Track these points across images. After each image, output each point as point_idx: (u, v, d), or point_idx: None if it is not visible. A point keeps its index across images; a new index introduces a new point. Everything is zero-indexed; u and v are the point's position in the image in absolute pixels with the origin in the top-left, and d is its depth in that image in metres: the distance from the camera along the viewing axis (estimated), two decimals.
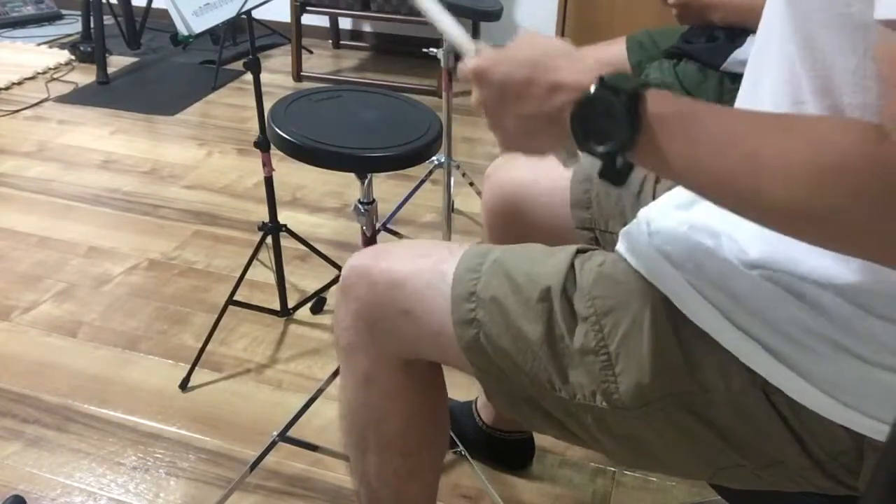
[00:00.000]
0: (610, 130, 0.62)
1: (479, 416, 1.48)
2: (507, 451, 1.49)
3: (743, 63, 1.42)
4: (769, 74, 0.71)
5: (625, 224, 0.87)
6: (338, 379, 1.03)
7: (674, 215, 0.84)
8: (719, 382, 0.73)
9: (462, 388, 1.35)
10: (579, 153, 0.71)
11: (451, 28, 0.83)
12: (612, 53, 1.67)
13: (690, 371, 0.74)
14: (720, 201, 0.62)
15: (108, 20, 3.53)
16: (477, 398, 1.51)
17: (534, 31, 0.74)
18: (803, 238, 0.60)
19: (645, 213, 0.87)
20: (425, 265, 0.87)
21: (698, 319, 0.73)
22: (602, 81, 0.63)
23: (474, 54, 0.75)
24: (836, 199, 0.54)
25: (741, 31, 1.43)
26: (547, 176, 1.13)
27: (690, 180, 0.63)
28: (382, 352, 0.93)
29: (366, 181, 1.24)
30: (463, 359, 0.85)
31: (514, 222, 1.17)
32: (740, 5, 1.38)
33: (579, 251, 0.84)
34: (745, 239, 0.74)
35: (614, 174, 0.65)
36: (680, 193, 0.88)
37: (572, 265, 0.82)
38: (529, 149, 0.72)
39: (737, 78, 1.43)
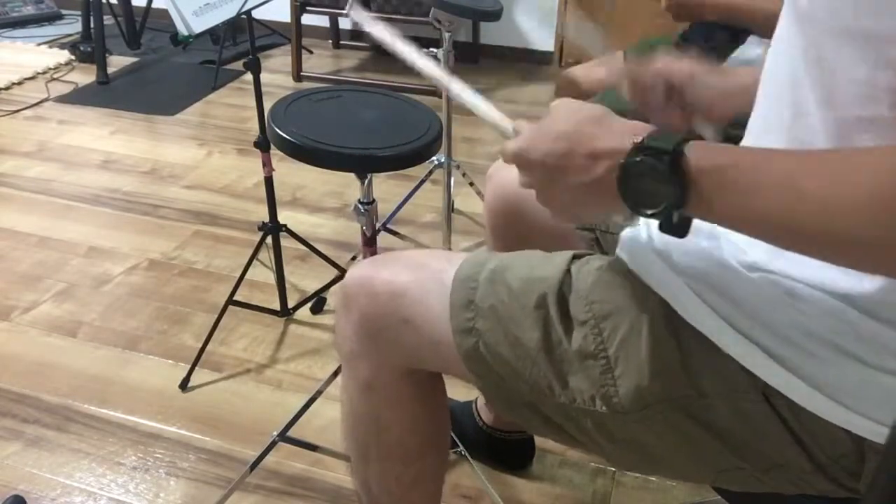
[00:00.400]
0: (657, 192, 0.63)
1: (479, 416, 1.48)
2: (508, 451, 1.49)
3: (744, 63, 1.42)
4: (774, 86, 0.72)
5: (625, 226, 0.87)
6: (338, 379, 1.03)
7: None
8: (719, 386, 0.73)
9: (462, 388, 1.35)
10: (630, 221, 0.72)
11: (488, 112, 0.84)
12: (611, 70, 1.67)
13: (690, 375, 0.74)
14: (794, 247, 0.61)
15: (108, 20, 3.53)
16: (477, 398, 1.51)
17: (567, 100, 0.75)
18: (880, 271, 0.59)
19: None
20: (425, 274, 0.88)
21: (697, 323, 0.73)
22: (642, 145, 0.63)
23: (513, 134, 0.76)
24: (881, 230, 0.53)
25: (742, 30, 1.43)
26: None
27: (753, 229, 0.62)
28: (384, 360, 0.93)
29: (366, 181, 1.24)
30: (463, 367, 0.85)
31: (516, 222, 1.17)
32: (736, 3, 1.38)
33: (576, 256, 0.85)
34: (744, 242, 0.74)
35: (674, 229, 0.65)
36: None
37: (568, 270, 0.82)
38: (586, 217, 0.74)
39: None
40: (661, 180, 0.62)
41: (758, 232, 0.62)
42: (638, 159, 0.63)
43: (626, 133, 0.66)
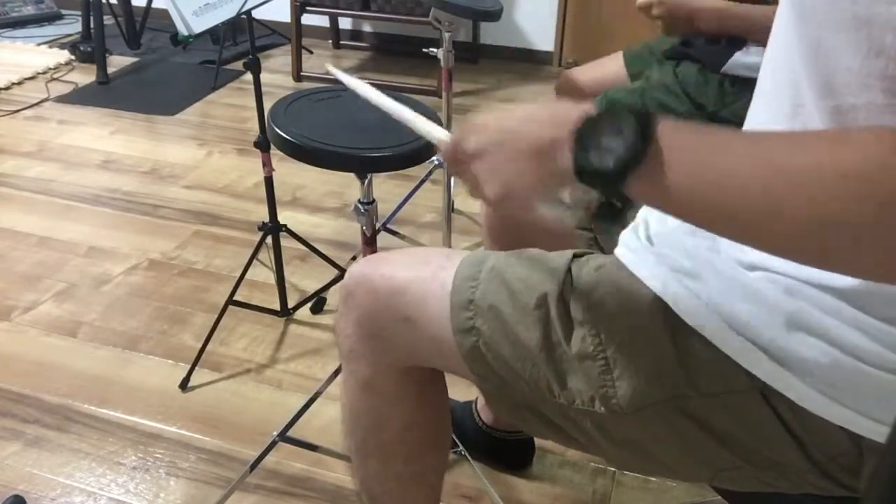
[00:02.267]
0: (612, 148, 0.59)
1: (479, 416, 1.48)
2: (508, 452, 1.49)
3: (744, 67, 1.42)
4: (773, 80, 0.72)
5: (626, 224, 0.87)
6: (338, 378, 1.03)
7: (672, 218, 0.83)
8: (717, 385, 0.73)
9: (462, 387, 1.35)
10: (571, 206, 0.70)
11: (418, 120, 0.83)
12: (610, 70, 1.67)
13: (688, 374, 0.74)
14: (731, 226, 0.58)
15: (108, 20, 3.54)
16: (477, 398, 1.51)
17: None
18: (823, 262, 0.57)
19: (644, 212, 0.87)
20: (425, 272, 0.88)
21: (696, 323, 0.73)
22: (608, 102, 0.62)
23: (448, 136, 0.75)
24: (864, 208, 0.51)
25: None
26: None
27: (700, 201, 0.58)
28: (383, 358, 0.93)
29: (366, 181, 1.24)
30: (463, 366, 0.85)
31: (514, 223, 1.17)
32: (726, 14, 1.37)
33: (576, 255, 0.84)
34: None
35: (609, 210, 0.63)
36: None
37: (569, 270, 0.82)
38: (523, 193, 0.69)
39: (737, 81, 1.43)
40: (622, 133, 0.59)
41: (706, 207, 0.58)
42: (602, 113, 0.61)
43: (585, 107, 0.64)
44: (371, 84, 0.92)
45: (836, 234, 0.53)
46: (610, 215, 0.64)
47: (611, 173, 0.60)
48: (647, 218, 0.85)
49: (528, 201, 0.71)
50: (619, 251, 0.82)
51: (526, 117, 0.68)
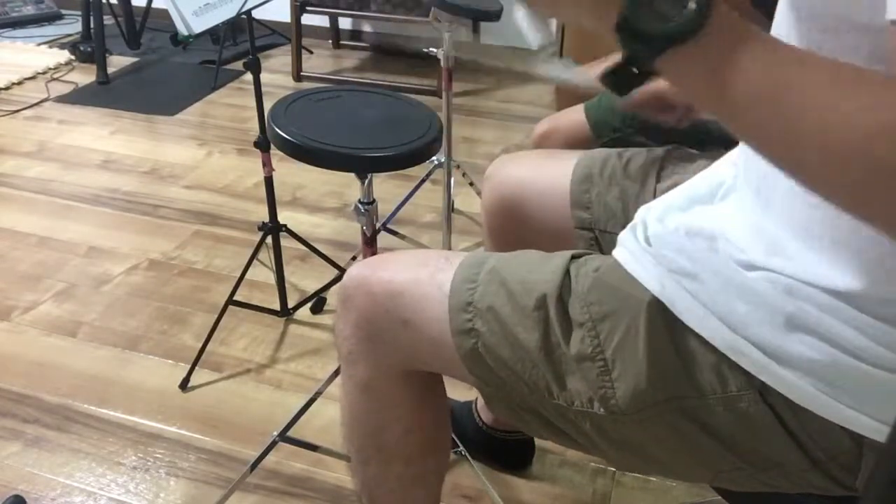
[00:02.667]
0: (669, 13, 0.53)
1: (479, 416, 1.48)
2: (507, 452, 1.49)
3: None
4: None
5: (625, 224, 0.87)
6: (338, 379, 1.03)
7: (671, 218, 0.84)
8: (716, 386, 0.73)
9: (462, 388, 1.35)
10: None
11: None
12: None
13: (687, 375, 0.74)
14: (778, 141, 0.54)
15: (108, 20, 3.53)
16: (477, 398, 1.51)
17: None
18: (865, 206, 0.52)
19: (643, 212, 0.87)
20: (423, 274, 0.87)
21: (694, 324, 0.73)
22: None
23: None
24: None
25: None
26: (547, 176, 1.13)
27: (745, 102, 0.53)
28: (382, 361, 0.93)
29: (366, 181, 1.24)
30: (462, 368, 0.85)
31: (514, 223, 1.17)
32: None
33: (574, 256, 0.84)
34: (741, 241, 0.74)
35: (628, 75, 0.57)
36: (680, 194, 0.88)
37: (567, 271, 0.82)
38: (553, 6, 0.63)
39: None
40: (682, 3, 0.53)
41: (750, 112, 0.53)
42: None
43: None
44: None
45: (873, 177, 0.49)
46: (624, 80, 0.58)
47: (655, 39, 0.54)
48: (646, 219, 0.85)
49: (554, 12, 0.65)
50: (618, 252, 0.82)
51: None
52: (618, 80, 0.58)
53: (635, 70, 0.57)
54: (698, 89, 0.56)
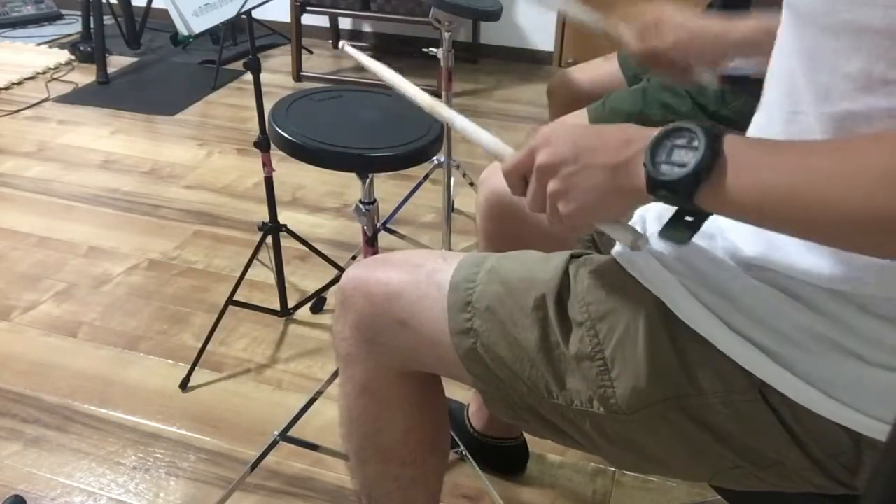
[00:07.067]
0: (686, 159, 0.62)
1: (469, 423, 1.48)
2: (500, 458, 1.48)
3: (734, 68, 1.42)
4: (775, 85, 0.72)
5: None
6: (338, 379, 1.03)
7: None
8: (716, 385, 0.73)
9: (460, 387, 1.35)
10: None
11: (490, 142, 0.83)
12: (605, 71, 1.67)
13: (686, 374, 0.74)
14: (796, 229, 0.61)
15: (108, 20, 3.54)
16: (469, 405, 1.51)
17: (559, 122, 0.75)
18: (881, 252, 0.58)
19: (642, 212, 0.87)
20: (421, 275, 0.87)
21: (693, 323, 0.73)
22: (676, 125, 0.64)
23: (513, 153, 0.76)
24: None
25: None
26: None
27: (766, 210, 0.60)
28: (380, 362, 0.93)
29: (367, 181, 1.24)
30: (460, 368, 0.85)
31: (510, 226, 1.17)
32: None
33: (573, 256, 0.84)
34: (740, 240, 0.74)
35: (682, 222, 0.65)
36: None
37: (566, 271, 0.82)
38: (593, 216, 0.71)
39: (736, 81, 1.44)
40: (694, 146, 0.62)
41: (778, 213, 0.60)
42: (673, 127, 0.64)
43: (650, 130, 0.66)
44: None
45: (888, 227, 0.55)
46: (684, 227, 0.65)
47: (682, 184, 0.61)
48: (645, 217, 0.85)
49: (597, 220, 0.72)
50: (616, 252, 0.82)
51: (602, 135, 0.69)
52: (676, 232, 0.66)
53: (687, 218, 0.65)
54: (740, 209, 0.62)
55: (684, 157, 0.62)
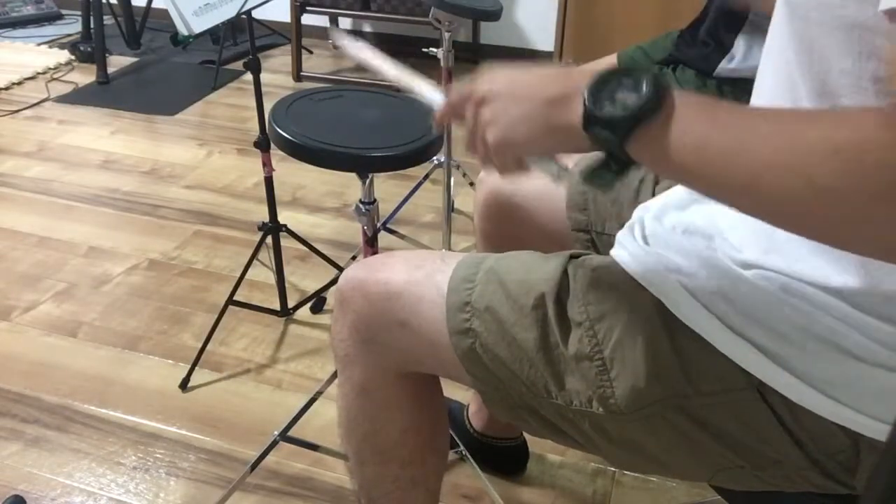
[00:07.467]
0: (629, 100, 0.60)
1: (469, 422, 1.48)
2: (500, 458, 1.48)
3: (733, 71, 1.44)
4: (768, 80, 0.72)
5: (622, 226, 0.87)
6: (337, 379, 1.03)
7: (669, 217, 0.84)
8: (714, 384, 0.73)
9: (461, 386, 1.35)
10: (569, 167, 0.70)
11: (418, 84, 0.84)
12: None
13: (686, 374, 0.74)
14: (729, 192, 0.58)
15: (108, 20, 3.54)
16: (468, 405, 1.51)
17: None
18: (821, 234, 0.56)
19: (641, 212, 0.87)
20: (420, 276, 0.87)
21: (692, 323, 0.73)
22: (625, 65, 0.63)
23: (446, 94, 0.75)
24: (854, 179, 0.50)
25: (728, 36, 1.46)
26: (541, 179, 1.13)
27: (704, 165, 0.58)
28: (379, 363, 0.93)
29: (367, 181, 1.24)
30: (459, 369, 0.85)
31: (508, 227, 1.17)
32: None
33: (573, 256, 0.84)
34: (739, 240, 0.74)
35: (608, 169, 0.63)
36: (677, 193, 0.89)
37: (566, 271, 0.82)
38: (524, 144, 0.69)
39: (735, 82, 1.46)
40: (637, 88, 0.59)
41: (722, 176, 0.57)
42: (617, 70, 0.62)
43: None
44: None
45: (833, 205, 0.52)
46: (609, 172, 0.63)
47: (621, 122, 0.59)
48: (644, 218, 0.85)
49: (524, 154, 0.70)
50: (616, 252, 0.82)
51: (542, 72, 0.69)
52: (600, 177, 0.64)
53: (613, 165, 0.62)
54: (672, 164, 0.60)
55: (627, 99, 0.60)
